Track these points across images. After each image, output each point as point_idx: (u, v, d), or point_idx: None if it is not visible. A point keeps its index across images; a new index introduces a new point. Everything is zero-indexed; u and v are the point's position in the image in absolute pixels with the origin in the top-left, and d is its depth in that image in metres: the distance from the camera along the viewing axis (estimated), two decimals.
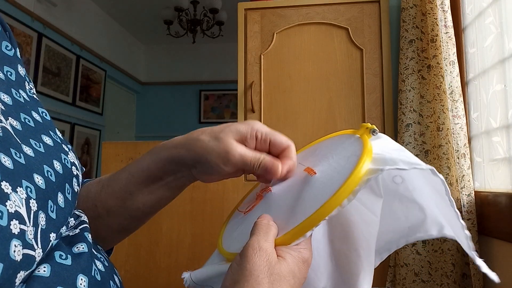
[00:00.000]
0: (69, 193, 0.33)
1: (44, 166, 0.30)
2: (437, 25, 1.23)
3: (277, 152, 0.41)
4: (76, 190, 0.35)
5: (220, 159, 0.38)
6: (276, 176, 0.39)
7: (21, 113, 0.33)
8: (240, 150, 0.39)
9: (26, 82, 0.38)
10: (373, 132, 0.36)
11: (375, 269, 0.34)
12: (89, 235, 0.34)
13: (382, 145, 0.34)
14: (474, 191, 1.14)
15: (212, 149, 0.39)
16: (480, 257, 0.31)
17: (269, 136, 0.40)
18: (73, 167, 0.36)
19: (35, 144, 0.32)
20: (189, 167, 0.41)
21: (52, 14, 3.01)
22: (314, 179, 0.33)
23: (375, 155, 0.32)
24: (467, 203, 1.12)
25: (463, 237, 0.33)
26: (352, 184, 0.29)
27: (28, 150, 0.30)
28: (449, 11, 1.22)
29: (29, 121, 0.33)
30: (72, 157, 0.37)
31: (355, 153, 0.33)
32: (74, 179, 0.35)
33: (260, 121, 1.64)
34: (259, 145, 0.41)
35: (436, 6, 1.23)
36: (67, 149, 0.37)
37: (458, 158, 1.14)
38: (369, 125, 0.37)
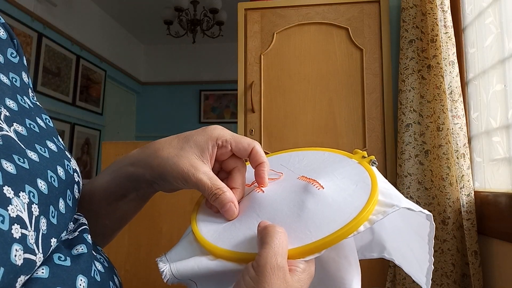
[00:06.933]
0: (69, 200, 0.33)
1: (48, 171, 0.31)
2: (437, 25, 1.23)
3: (243, 156, 0.39)
4: (76, 196, 0.35)
5: (179, 179, 0.36)
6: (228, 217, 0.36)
7: (26, 119, 0.33)
8: (199, 176, 0.36)
9: (29, 89, 0.38)
10: (373, 163, 0.37)
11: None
12: (89, 236, 0.34)
13: (379, 176, 0.36)
14: (474, 191, 1.14)
15: (171, 168, 0.36)
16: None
17: (231, 142, 0.37)
18: (75, 174, 0.36)
19: (40, 149, 0.32)
20: (149, 182, 0.39)
21: (52, 14, 3.01)
22: (321, 193, 0.34)
23: (382, 189, 0.33)
24: (466, 203, 1.11)
25: (423, 275, 0.36)
26: (369, 212, 0.31)
27: (33, 155, 0.30)
28: (449, 11, 1.22)
29: (34, 127, 0.33)
30: (74, 163, 0.37)
31: (363, 179, 0.35)
32: (76, 186, 0.35)
33: (260, 121, 1.64)
34: (221, 154, 0.38)
35: (436, 6, 1.23)
36: (69, 156, 0.37)
37: (457, 158, 1.14)
38: (365, 153, 0.38)
